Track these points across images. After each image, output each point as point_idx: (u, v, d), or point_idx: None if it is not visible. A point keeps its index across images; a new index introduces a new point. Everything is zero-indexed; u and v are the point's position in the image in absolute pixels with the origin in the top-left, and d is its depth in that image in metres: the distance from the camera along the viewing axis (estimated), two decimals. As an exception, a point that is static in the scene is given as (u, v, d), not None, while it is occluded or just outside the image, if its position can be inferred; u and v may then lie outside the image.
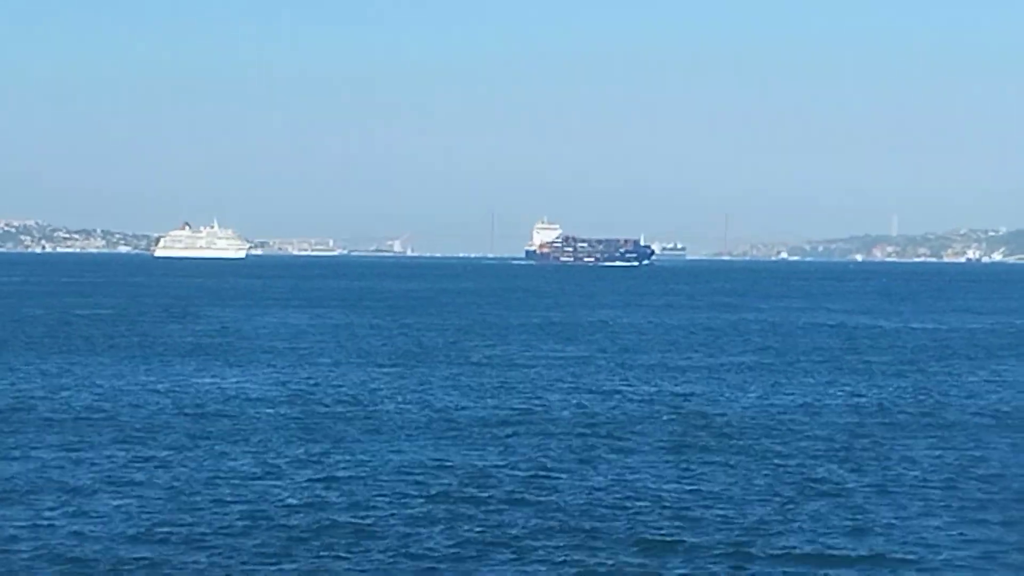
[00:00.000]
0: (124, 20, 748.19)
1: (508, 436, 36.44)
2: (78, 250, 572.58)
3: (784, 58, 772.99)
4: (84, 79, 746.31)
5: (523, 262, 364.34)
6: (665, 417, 40.49)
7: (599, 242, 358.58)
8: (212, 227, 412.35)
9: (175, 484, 28.98)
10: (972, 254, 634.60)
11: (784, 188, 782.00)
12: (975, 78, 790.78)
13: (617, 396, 46.06)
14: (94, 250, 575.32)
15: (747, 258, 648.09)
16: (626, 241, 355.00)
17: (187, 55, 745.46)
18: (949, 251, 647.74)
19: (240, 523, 25.39)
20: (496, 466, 31.68)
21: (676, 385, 49.78)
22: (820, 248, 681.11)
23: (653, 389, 48.34)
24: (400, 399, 44.71)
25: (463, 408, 42.58)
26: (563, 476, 30.47)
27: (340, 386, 48.45)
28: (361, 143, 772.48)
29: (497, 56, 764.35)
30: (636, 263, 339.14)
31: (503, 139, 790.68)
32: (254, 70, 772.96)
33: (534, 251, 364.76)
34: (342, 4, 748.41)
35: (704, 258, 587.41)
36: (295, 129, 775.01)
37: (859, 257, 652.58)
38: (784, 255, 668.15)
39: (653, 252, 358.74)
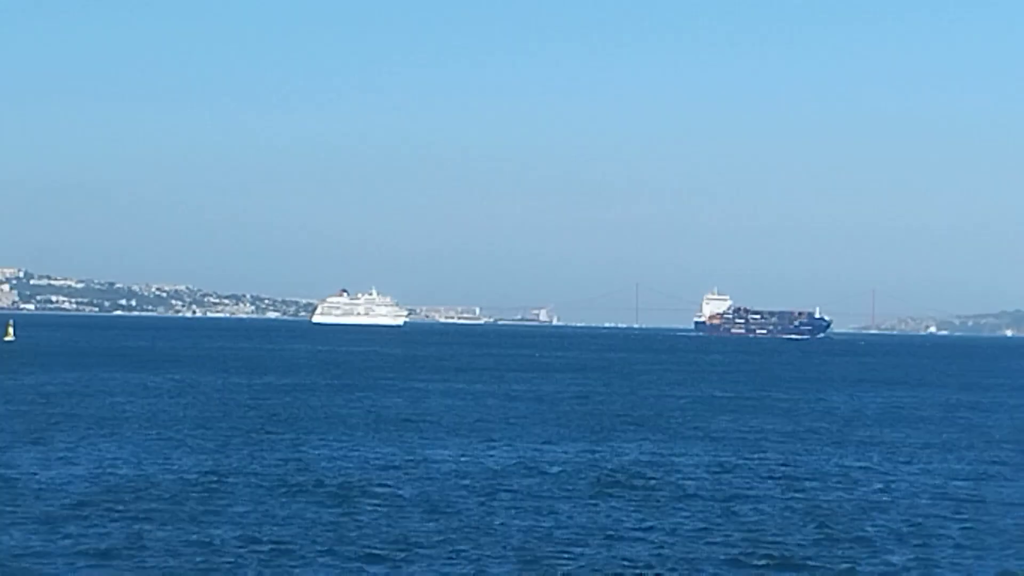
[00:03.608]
0: (269, 97, 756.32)
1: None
2: (228, 315, 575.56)
3: (933, 130, 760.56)
4: (222, 151, 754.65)
5: (692, 333, 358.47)
6: None
7: (772, 314, 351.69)
8: (371, 294, 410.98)
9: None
10: None
11: (930, 262, 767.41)
12: None
13: None
14: (243, 315, 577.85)
15: (895, 332, 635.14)
16: (800, 313, 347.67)
17: (333, 131, 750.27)
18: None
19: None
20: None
21: None
22: (969, 323, 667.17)
23: None
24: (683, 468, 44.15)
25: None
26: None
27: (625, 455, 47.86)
28: (506, 212, 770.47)
29: (644, 132, 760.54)
30: (810, 336, 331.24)
31: (647, 209, 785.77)
32: (394, 142, 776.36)
33: (703, 322, 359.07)
34: (486, 78, 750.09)
35: (851, 331, 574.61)
36: (437, 199, 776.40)
37: (1009, 332, 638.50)
38: (932, 329, 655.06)
39: (829, 324, 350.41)
